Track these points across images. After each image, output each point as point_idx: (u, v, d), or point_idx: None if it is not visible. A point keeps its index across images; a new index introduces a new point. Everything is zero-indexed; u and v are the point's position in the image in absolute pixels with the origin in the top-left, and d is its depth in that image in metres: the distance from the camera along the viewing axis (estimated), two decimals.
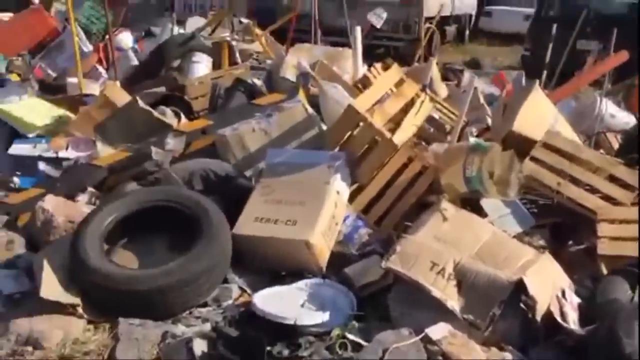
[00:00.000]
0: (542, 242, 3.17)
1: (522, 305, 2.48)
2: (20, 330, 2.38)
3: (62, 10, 7.95)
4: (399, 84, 3.88)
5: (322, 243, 2.79)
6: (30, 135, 4.14)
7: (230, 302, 2.70)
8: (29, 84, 5.67)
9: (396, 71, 4.11)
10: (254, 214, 2.93)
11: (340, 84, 4.14)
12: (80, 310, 2.50)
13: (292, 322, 2.36)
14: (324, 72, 4.44)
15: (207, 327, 2.47)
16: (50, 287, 2.50)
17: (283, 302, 2.56)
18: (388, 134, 3.23)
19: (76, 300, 2.51)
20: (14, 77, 5.75)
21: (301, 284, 2.72)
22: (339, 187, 3.02)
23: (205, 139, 3.67)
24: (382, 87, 3.78)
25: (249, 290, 2.78)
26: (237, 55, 6.30)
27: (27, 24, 6.65)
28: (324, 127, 3.60)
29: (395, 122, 3.48)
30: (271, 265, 2.88)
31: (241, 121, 3.52)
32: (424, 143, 3.89)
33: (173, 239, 2.92)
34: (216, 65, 5.88)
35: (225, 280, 2.78)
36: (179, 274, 2.53)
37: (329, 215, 2.88)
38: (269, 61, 6.12)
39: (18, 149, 4.04)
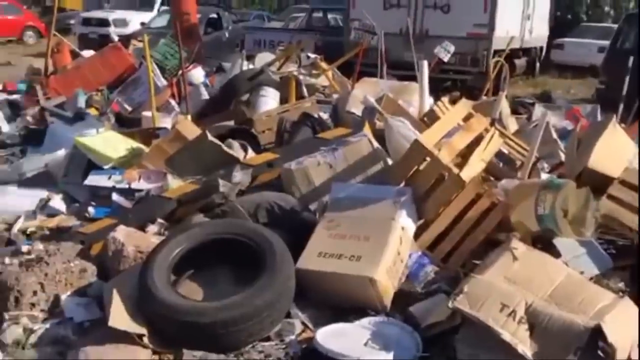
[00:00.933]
0: (621, 286, 2.99)
1: (599, 353, 2.33)
2: (88, 358, 2.43)
3: (139, 48, 8.38)
4: (467, 118, 3.81)
5: (387, 280, 2.74)
6: (106, 167, 4.30)
7: (292, 337, 2.67)
8: (106, 117, 5.96)
9: (464, 105, 4.05)
10: (318, 248, 2.92)
11: (406, 118, 4.11)
12: (146, 340, 2.54)
13: None
14: (390, 106, 4.42)
15: None
16: (119, 316, 2.56)
17: (346, 340, 2.52)
18: (455, 170, 3.17)
19: (143, 330, 2.55)
20: (93, 111, 6.06)
21: (364, 321, 2.67)
22: (405, 223, 2.96)
23: (271, 172, 3.71)
24: (450, 122, 3.72)
25: (311, 326, 2.75)
26: (304, 89, 6.41)
27: (107, 60, 7.02)
28: (390, 162, 3.56)
29: (463, 157, 3.40)
30: (334, 301, 2.84)
31: (306, 155, 3.54)
32: (492, 179, 3.78)
33: (238, 271, 2.94)
34: (283, 100, 6.00)
35: (288, 315, 2.76)
36: (242, 307, 2.54)
37: (394, 251, 2.82)
38: (335, 95, 6.16)
39: (94, 180, 4.20)
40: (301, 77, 6.59)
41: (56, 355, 2.60)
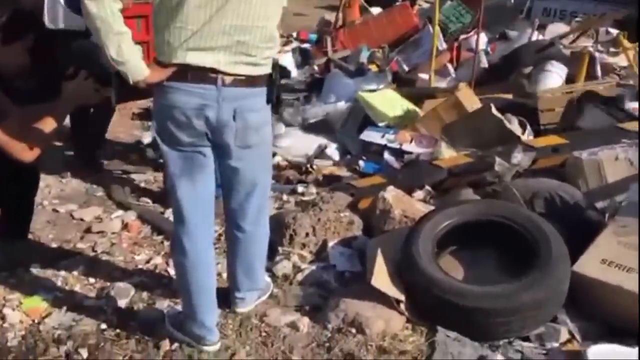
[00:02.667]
0: None
1: None
2: (348, 310, 2.52)
3: (424, 8, 8.35)
4: None
5: None
6: (381, 125, 4.39)
7: (555, 344, 2.42)
8: (384, 75, 6.09)
9: None
10: (602, 254, 2.56)
11: None
12: (402, 307, 2.53)
13: None
14: None
15: None
16: (381, 277, 2.59)
17: None
18: None
19: (401, 296, 2.55)
20: (373, 68, 6.24)
21: None
22: None
23: (555, 158, 3.37)
24: None
25: (578, 338, 2.46)
26: (598, 68, 5.70)
27: (393, 19, 7.12)
28: None
29: None
30: (611, 317, 2.49)
31: (603, 145, 3.12)
32: None
33: (502, 257, 2.76)
34: (570, 78, 5.42)
35: (554, 320, 2.50)
36: (508, 300, 2.36)
37: None
38: (637, 80, 5.36)
39: (368, 135, 4.34)
40: (597, 54, 5.86)
41: (317, 297, 2.74)
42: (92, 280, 2.83)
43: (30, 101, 2.43)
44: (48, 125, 2.27)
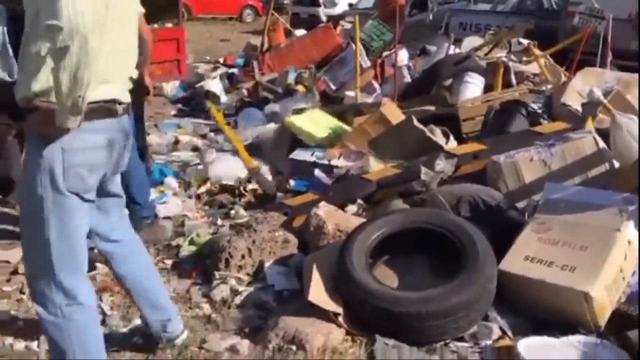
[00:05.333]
0: None
1: None
2: (287, 327, 2.53)
3: (347, 28, 8.57)
4: None
5: (605, 298, 2.44)
6: (311, 144, 4.46)
7: (489, 342, 2.51)
8: (312, 95, 6.21)
9: None
10: (525, 252, 2.70)
11: (636, 116, 3.63)
12: (341, 319, 2.57)
13: None
14: (617, 102, 3.94)
15: None
16: (318, 292, 2.62)
17: (551, 356, 2.31)
18: None
19: (339, 309, 2.59)
20: (301, 88, 6.34)
21: (573, 339, 2.42)
22: (632, 237, 2.61)
23: (476, 163, 3.53)
24: None
25: (509, 333, 2.57)
26: (513, 77, 6.01)
27: (317, 40, 7.30)
28: (616, 165, 3.17)
29: None
30: (537, 310, 2.61)
31: (518, 149, 3.29)
32: None
33: (434, 263, 2.86)
34: (488, 87, 5.69)
35: (486, 318, 2.60)
36: (440, 302, 2.44)
37: (616, 267, 2.51)
38: (548, 86, 5.69)
39: (298, 155, 4.38)
40: (510, 63, 6.18)
41: (257, 318, 2.75)
42: (20, 323, 2.71)
43: None
44: None
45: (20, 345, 2.54)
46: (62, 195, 1.89)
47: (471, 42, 7.20)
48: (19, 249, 3.30)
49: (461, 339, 2.54)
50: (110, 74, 1.91)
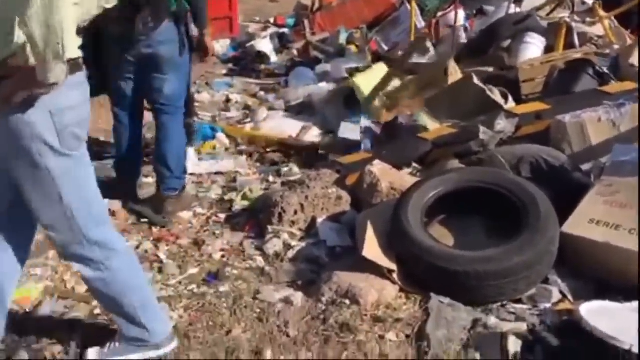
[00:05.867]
0: None
1: None
2: (341, 282, 2.52)
3: None
4: None
5: None
6: (365, 105, 4.38)
7: (548, 305, 2.44)
8: (364, 55, 6.09)
9: None
10: (590, 214, 2.59)
11: None
12: (395, 276, 2.54)
13: (627, 348, 2.01)
14: None
15: (523, 326, 2.27)
16: (372, 248, 2.59)
17: (614, 321, 2.20)
18: None
19: (393, 265, 2.55)
20: (353, 49, 6.23)
21: (637, 305, 2.32)
22: None
23: (538, 124, 3.39)
24: None
25: (570, 297, 2.48)
26: (575, 38, 5.74)
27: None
28: None
29: None
30: (600, 274, 2.52)
31: (586, 108, 3.14)
32: None
33: (492, 223, 2.78)
34: (548, 49, 5.45)
35: (546, 281, 2.53)
36: (500, 262, 2.38)
37: None
38: (615, 47, 5.41)
39: (344, 132, 4.15)
40: (573, 24, 5.89)
41: (309, 272, 2.75)
42: None
43: None
44: None
45: (81, 288, 2.61)
46: (64, 157, 1.79)
47: (532, 1, 6.88)
48: None
49: (519, 301, 2.47)
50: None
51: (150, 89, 3.23)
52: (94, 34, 2.94)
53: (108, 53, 3.16)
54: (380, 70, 4.75)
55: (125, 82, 3.24)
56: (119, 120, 3.33)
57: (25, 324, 2.35)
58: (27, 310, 2.46)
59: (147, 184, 3.74)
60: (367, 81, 4.53)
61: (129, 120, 3.32)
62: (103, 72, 3.21)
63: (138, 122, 3.41)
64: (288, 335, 2.31)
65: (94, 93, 3.86)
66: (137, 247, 2.99)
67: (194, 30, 3.36)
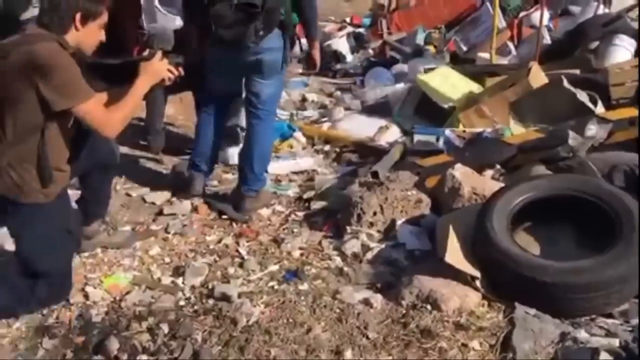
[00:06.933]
0: None
1: None
2: (422, 286, 2.48)
3: None
4: None
5: None
6: (445, 106, 4.30)
7: None
8: (442, 55, 5.99)
9: None
10: None
11: None
12: (478, 283, 2.48)
13: None
14: None
15: (615, 342, 2.17)
16: (454, 253, 2.54)
17: None
18: None
19: (476, 272, 2.49)
20: (431, 49, 6.13)
21: None
22: None
23: (632, 131, 3.22)
24: None
25: None
26: None
27: None
28: None
29: None
30: None
31: None
32: None
33: (581, 233, 2.67)
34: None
35: (638, 296, 2.40)
36: (591, 275, 2.27)
37: None
38: None
39: (420, 135, 4.05)
40: None
41: (389, 275, 2.72)
42: (167, 259, 2.89)
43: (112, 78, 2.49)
44: (129, 103, 2.34)
45: (167, 280, 2.70)
46: None
47: (623, 1, 6.56)
48: (164, 192, 3.52)
49: (609, 316, 2.36)
50: None
51: (248, 92, 3.32)
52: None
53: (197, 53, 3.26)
54: (447, 72, 4.65)
55: (223, 84, 3.34)
56: (204, 119, 3.42)
57: (116, 312, 2.45)
58: (117, 298, 2.57)
59: (227, 179, 3.83)
60: (438, 80, 4.42)
61: (215, 119, 3.41)
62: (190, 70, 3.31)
63: (222, 121, 3.49)
64: (368, 337, 2.29)
65: (178, 90, 4.01)
66: (219, 242, 3.06)
67: (304, 45, 3.44)
